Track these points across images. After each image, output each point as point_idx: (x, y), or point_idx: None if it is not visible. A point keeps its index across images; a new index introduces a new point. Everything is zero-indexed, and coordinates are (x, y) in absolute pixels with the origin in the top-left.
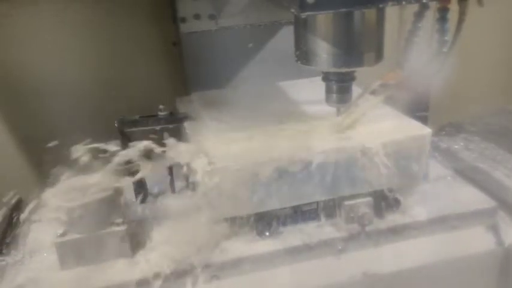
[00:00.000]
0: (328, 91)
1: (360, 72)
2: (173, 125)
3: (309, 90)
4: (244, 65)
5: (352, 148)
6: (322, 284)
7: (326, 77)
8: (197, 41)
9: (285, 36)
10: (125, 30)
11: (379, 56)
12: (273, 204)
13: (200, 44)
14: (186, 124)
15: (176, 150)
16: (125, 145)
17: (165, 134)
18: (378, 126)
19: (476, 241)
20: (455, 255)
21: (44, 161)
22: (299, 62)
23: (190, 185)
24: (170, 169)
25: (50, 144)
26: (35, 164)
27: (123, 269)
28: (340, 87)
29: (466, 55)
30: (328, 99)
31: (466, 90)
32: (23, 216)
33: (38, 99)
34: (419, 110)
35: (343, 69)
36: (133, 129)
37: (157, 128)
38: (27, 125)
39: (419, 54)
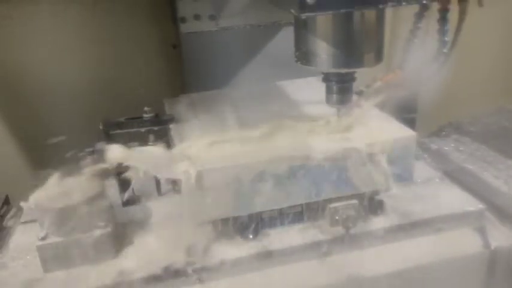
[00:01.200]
0: (329, 92)
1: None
2: (158, 127)
3: (301, 92)
4: (244, 66)
5: (336, 151)
6: (306, 287)
7: (326, 78)
8: (197, 41)
9: (285, 37)
10: (124, 31)
11: (379, 56)
12: (258, 206)
13: (200, 44)
14: (172, 126)
15: (160, 153)
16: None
17: (151, 136)
18: (364, 129)
19: (462, 243)
20: (442, 258)
21: (42, 160)
22: (299, 62)
23: (176, 188)
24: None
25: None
26: (34, 164)
27: (106, 272)
28: (340, 88)
29: (465, 56)
30: (328, 100)
31: (465, 90)
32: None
33: (38, 99)
34: (407, 112)
35: (343, 70)
36: (118, 131)
37: (143, 130)
38: (27, 124)
39: (419, 55)
